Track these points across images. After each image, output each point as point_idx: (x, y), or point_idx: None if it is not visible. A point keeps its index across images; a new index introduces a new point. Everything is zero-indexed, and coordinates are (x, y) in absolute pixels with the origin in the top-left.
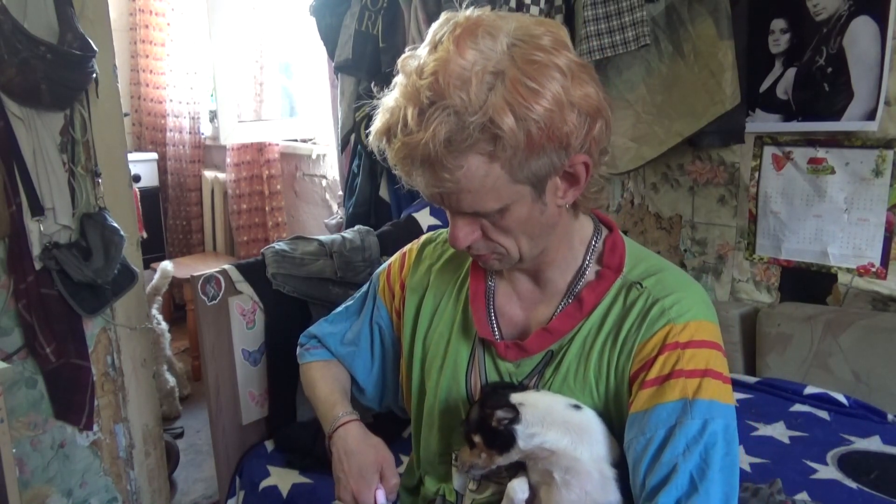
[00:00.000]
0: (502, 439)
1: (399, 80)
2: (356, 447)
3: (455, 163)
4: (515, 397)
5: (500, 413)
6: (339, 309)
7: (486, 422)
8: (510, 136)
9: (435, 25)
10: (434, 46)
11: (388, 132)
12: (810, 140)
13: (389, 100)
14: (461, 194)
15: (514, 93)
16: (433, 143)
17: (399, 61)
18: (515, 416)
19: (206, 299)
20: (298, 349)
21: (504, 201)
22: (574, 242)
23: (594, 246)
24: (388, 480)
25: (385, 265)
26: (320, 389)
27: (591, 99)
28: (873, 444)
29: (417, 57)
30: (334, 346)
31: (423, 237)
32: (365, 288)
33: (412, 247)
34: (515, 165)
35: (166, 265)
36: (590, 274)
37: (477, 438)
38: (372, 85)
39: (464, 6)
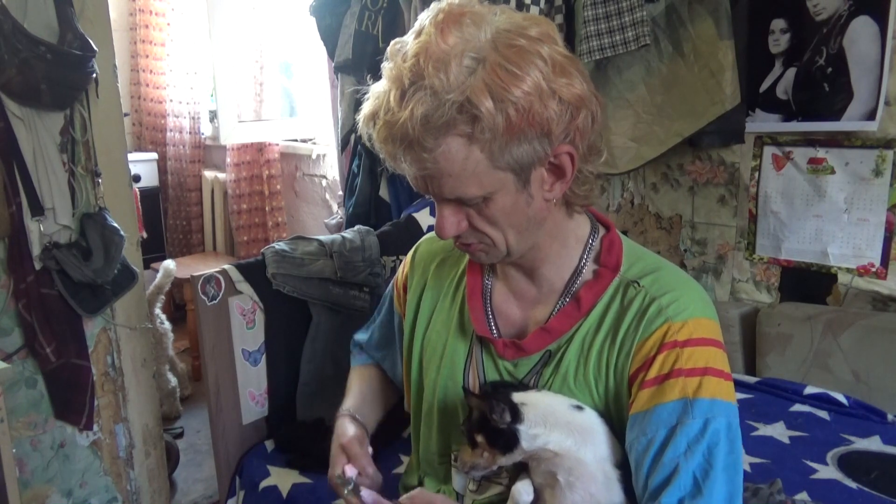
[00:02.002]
0: (505, 439)
1: (386, 65)
2: (333, 439)
3: (434, 142)
4: (517, 396)
5: (502, 412)
6: (372, 316)
7: (489, 421)
8: (488, 118)
9: (423, 13)
10: (418, 32)
11: (374, 115)
12: (810, 140)
13: (378, 86)
14: (443, 178)
15: (493, 75)
16: (411, 122)
17: (388, 47)
18: (518, 415)
19: (206, 299)
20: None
21: (486, 188)
22: (569, 241)
23: (591, 245)
24: (356, 459)
25: (396, 274)
26: (347, 390)
27: (575, 89)
28: (873, 444)
29: (404, 42)
30: (371, 351)
31: (421, 239)
32: (385, 296)
33: (408, 255)
34: (496, 150)
35: (169, 264)
36: (587, 273)
37: (480, 438)
38: (368, 78)
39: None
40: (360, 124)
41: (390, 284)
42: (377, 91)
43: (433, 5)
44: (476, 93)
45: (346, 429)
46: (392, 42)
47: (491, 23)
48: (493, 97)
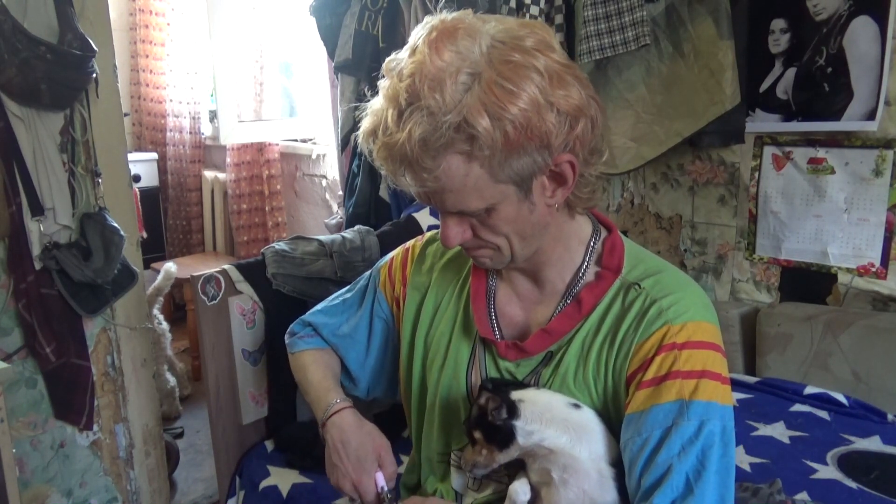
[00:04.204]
0: (502, 435)
1: (383, 82)
2: (352, 436)
3: (433, 163)
4: (515, 394)
5: (498, 408)
6: (335, 300)
7: (486, 417)
8: (486, 136)
9: (416, 29)
10: (413, 50)
11: (373, 133)
12: (810, 140)
13: (376, 102)
14: (444, 194)
15: (489, 93)
16: (409, 143)
17: (384, 64)
18: (514, 411)
19: (206, 299)
20: (289, 338)
21: (488, 201)
22: (571, 243)
23: (593, 247)
24: (387, 467)
25: (386, 258)
26: (313, 375)
27: (573, 99)
28: (873, 444)
29: (399, 60)
30: (329, 336)
31: (427, 235)
32: (364, 281)
33: (415, 243)
34: (495, 165)
35: (170, 266)
36: (589, 275)
37: (477, 434)
38: (365, 89)
39: (440, 8)
40: (360, 140)
41: (373, 272)
42: (375, 108)
43: (426, 21)
44: (473, 112)
45: (375, 431)
46: (387, 59)
47: (485, 33)
48: (489, 115)
